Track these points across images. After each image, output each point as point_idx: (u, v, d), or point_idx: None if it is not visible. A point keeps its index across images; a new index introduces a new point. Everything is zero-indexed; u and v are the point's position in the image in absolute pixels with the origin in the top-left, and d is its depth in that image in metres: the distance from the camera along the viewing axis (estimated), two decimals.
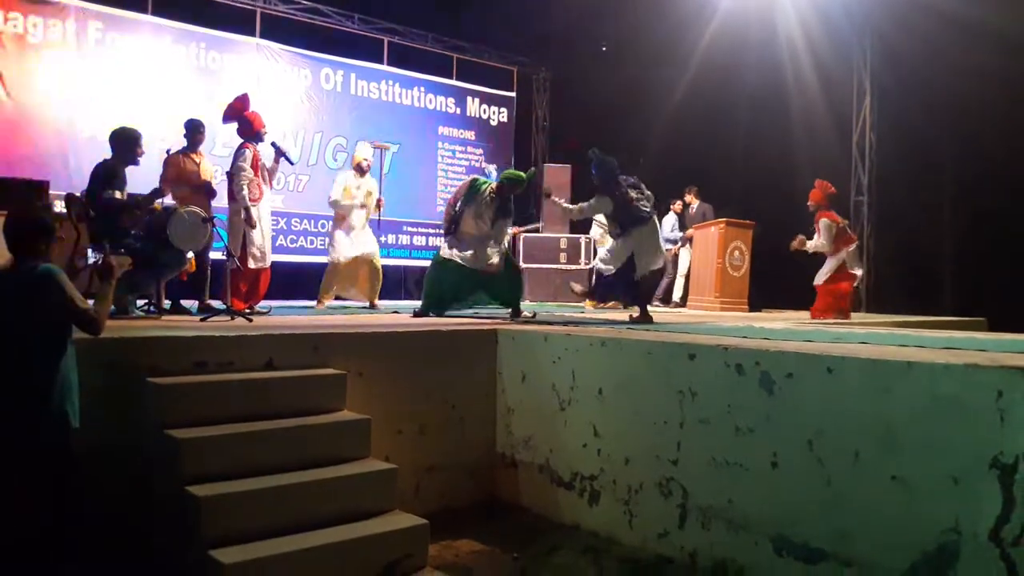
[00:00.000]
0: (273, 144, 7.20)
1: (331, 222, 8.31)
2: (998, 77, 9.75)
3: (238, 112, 6.92)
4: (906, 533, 3.22)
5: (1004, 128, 9.80)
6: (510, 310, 6.88)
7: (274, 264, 10.58)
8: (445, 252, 6.76)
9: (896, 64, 11.13)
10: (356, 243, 8.01)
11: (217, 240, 6.45)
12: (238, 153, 6.77)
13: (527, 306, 7.99)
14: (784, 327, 6.20)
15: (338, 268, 7.99)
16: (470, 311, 7.01)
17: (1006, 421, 2.96)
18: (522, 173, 7.03)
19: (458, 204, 6.82)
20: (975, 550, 3.00)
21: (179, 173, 6.90)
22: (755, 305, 9.85)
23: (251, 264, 6.73)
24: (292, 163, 7.93)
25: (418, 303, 7.09)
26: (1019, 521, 2.89)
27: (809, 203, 8.61)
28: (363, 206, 8.03)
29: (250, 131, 6.85)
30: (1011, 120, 9.71)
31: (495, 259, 6.66)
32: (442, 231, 7.32)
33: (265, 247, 6.91)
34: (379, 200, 8.19)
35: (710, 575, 3.93)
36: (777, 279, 10.22)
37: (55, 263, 3.28)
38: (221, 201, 7.17)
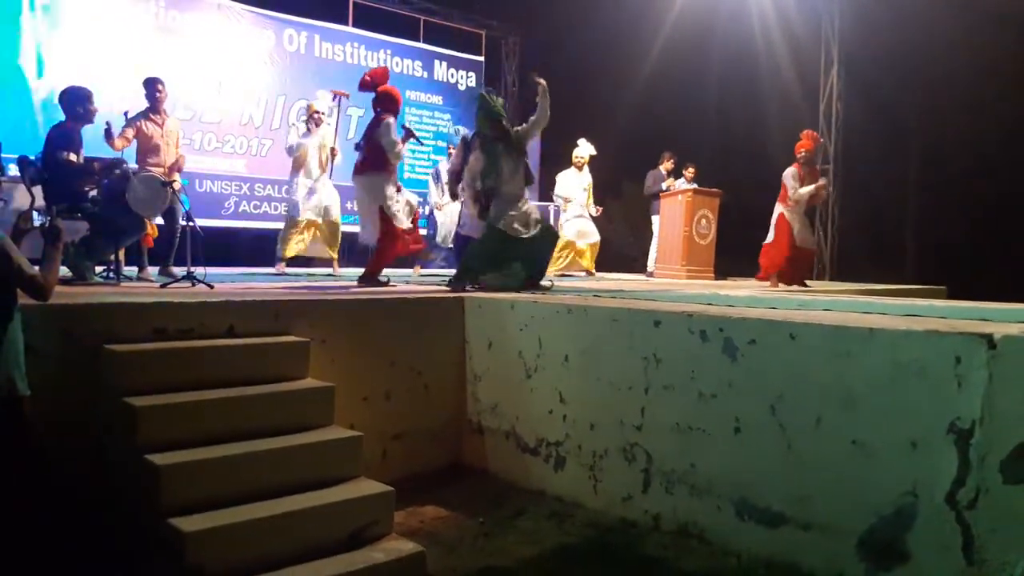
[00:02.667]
0: (404, 127, 6.86)
1: (289, 174, 8.16)
2: (965, 47, 9.84)
3: (378, 83, 6.63)
4: (865, 496, 3.27)
5: (970, 99, 9.93)
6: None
7: (236, 230, 10.56)
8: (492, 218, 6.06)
9: (864, 34, 11.18)
10: (315, 197, 7.91)
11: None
12: (385, 125, 6.37)
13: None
14: (749, 295, 6.24)
15: (294, 223, 7.89)
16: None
17: (963, 387, 3.01)
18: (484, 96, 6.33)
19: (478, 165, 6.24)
20: (931, 513, 3.06)
21: (138, 136, 6.71)
22: (721, 273, 9.92)
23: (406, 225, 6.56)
24: (421, 144, 7.74)
25: (385, 270, 6.94)
26: (974, 485, 2.95)
27: (806, 152, 8.38)
28: (317, 149, 7.92)
29: (392, 105, 6.53)
30: (977, 91, 9.82)
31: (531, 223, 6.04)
32: (470, 198, 6.66)
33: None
34: (332, 149, 8.05)
35: (673, 538, 3.97)
36: (744, 247, 10.29)
37: None
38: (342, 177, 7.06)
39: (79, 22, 9.15)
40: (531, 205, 6.27)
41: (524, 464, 4.90)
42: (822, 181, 8.36)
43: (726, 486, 3.81)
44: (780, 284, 8.30)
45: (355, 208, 7.56)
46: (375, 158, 6.34)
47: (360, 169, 6.42)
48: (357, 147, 6.66)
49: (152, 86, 6.85)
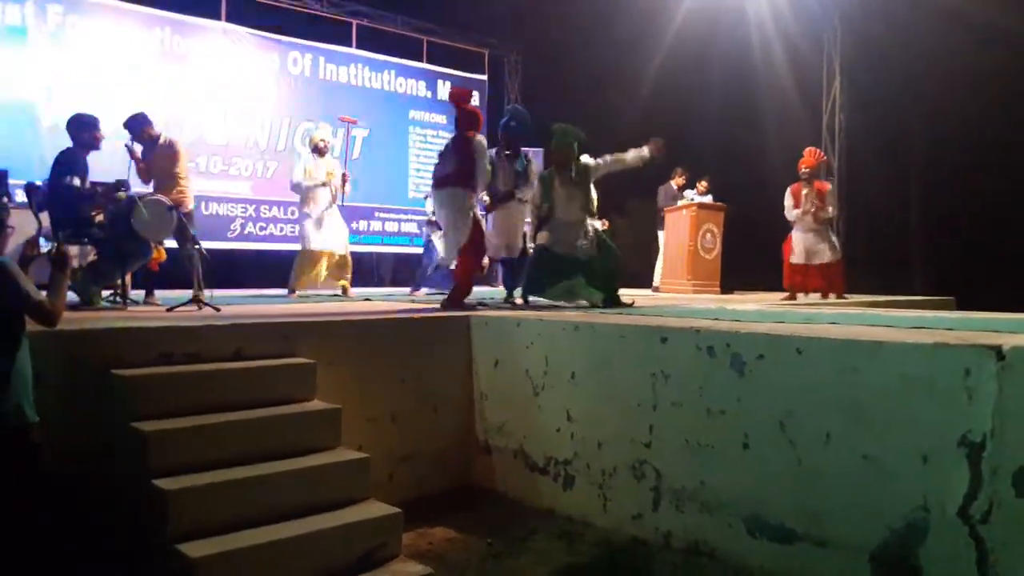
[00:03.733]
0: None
1: (298, 209, 8.18)
2: (966, 58, 9.85)
3: (464, 101, 6.61)
4: (876, 511, 3.24)
5: (971, 110, 9.92)
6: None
7: (242, 252, 10.60)
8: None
9: (866, 46, 11.21)
10: (325, 231, 7.92)
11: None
12: (480, 145, 6.30)
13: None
14: (755, 309, 6.23)
15: (307, 257, 7.90)
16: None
17: (974, 399, 2.99)
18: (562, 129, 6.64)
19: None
20: (944, 527, 3.03)
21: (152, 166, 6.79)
22: (727, 287, 9.90)
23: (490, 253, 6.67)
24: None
25: (390, 289, 6.99)
26: (987, 498, 2.93)
27: (807, 169, 8.45)
28: (324, 184, 7.91)
29: (479, 124, 6.48)
30: (978, 102, 9.82)
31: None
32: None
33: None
34: (344, 175, 8.06)
35: (684, 556, 3.94)
36: (749, 260, 10.28)
37: (7, 254, 3.20)
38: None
39: (86, 49, 9.24)
40: (587, 226, 6.49)
41: (533, 483, 4.88)
42: (807, 205, 8.38)
43: (736, 503, 3.78)
44: (796, 297, 8.36)
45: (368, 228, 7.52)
46: (462, 173, 6.24)
47: (444, 183, 6.30)
48: (441, 159, 6.51)
49: (131, 125, 6.77)
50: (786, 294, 8.55)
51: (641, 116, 12.32)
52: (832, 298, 8.26)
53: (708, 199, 10.23)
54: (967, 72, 9.89)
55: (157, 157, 6.77)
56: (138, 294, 6.50)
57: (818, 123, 11.68)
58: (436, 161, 6.54)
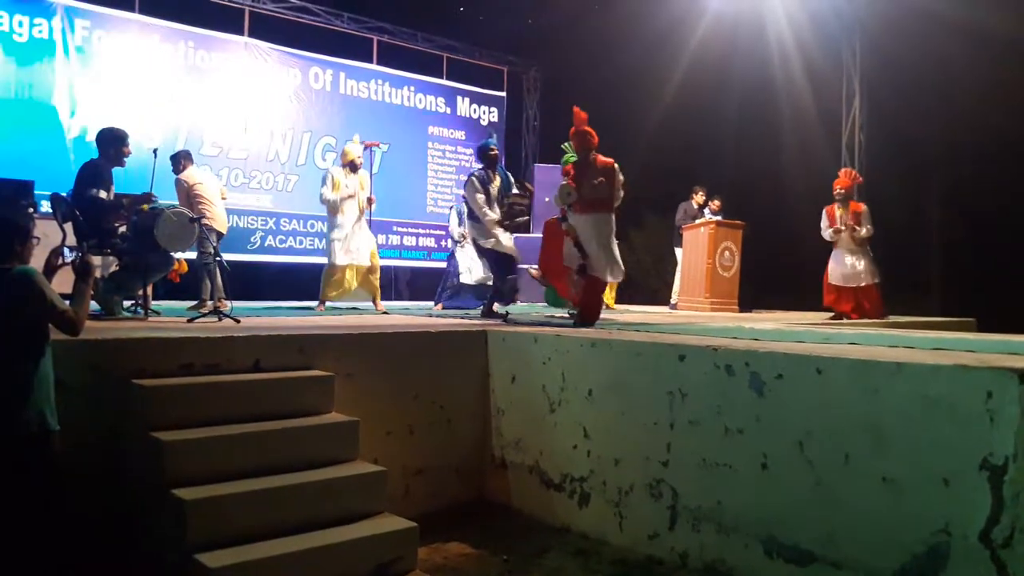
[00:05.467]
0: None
1: (326, 223, 8.21)
2: (987, 78, 9.80)
3: (583, 123, 6.55)
4: (896, 535, 3.21)
5: (992, 129, 9.86)
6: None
7: (262, 264, 10.68)
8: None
9: (885, 65, 11.18)
10: (353, 244, 7.96)
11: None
12: (615, 169, 6.30)
13: (521, 307, 7.88)
14: (774, 328, 6.20)
15: (336, 268, 7.94)
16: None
17: (995, 422, 2.96)
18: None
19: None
20: (965, 552, 3.00)
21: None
22: (745, 305, 9.86)
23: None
24: None
25: (407, 303, 7.01)
26: (1009, 522, 2.89)
27: (842, 190, 8.55)
28: (352, 196, 7.96)
29: (591, 145, 6.46)
30: (999, 121, 9.76)
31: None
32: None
33: None
34: (370, 198, 8.13)
35: None
36: (767, 279, 10.24)
37: (33, 264, 3.24)
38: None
39: (111, 62, 9.38)
40: None
41: (548, 500, 4.87)
42: (839, 225, 8.39)
43: (754, 524, 3.75)
44: (840, 318, 8.36)
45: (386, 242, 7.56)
46: (603, 198, 6.23)
47: (588, 208, 6.22)
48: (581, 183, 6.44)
49: (176, 159, 7.52)
50: (831, 313, 8.55)
51: (660, 134, 12.33)
52: (878, 318, 8.25)
53: (719, 219, 10.23)
54: (988, 89, 9.84)
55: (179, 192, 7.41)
56: (160, 304, 6.56)
57: (837, 142, 11.63)
58: (567, 182, 6.36)
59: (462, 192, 7.99)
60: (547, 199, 7.16)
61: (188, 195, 7.42)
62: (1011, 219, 9.73)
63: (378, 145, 8.35)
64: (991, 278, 9.80)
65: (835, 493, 3.44)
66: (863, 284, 8.45)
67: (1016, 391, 2.92)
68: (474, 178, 7.28)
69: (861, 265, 8.47)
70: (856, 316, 8.40)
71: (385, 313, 7.79)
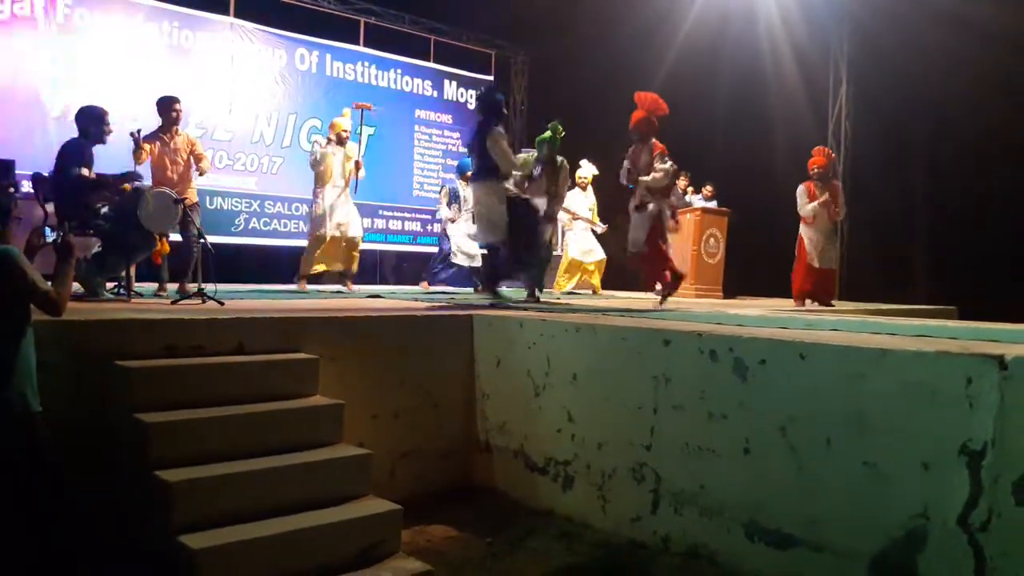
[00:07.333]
0: None
1: (312, 193, 8.21)
2: (974, 66, 9.83)
3: (647, 108, 6.84)
4: (876, 518, 3.25)
5: (980, 119, 9.89)
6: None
7: (246, 247, 10.61)
8: None
9: (873, 53, 11.20)
10: (338, 217, 7.95)
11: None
12: (661, 155, 6.70)
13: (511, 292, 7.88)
14: (758, 314, 6.23)
15: (320, 238, 7.91)
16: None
17: (975, 408, 2.99)
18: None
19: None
20: (943, 535, 3.04)
21: (151, 159, 6.78)
22: (730, 292, 9.90)
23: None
24: None
25: (393, 287, 7.01)
26: (986, 507, 2.93)
27: (819, 168, 8.39)
28: (340, 171, 7.95)
29: (653, 130, 6.68)
30: (986, 109, 9.80)
31: None
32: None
33: None
34: (358, 162, 8.11)
35: (683, 560, 3.95)
36: (751, 266, 10.28)
37: (13, 243, 3.21)
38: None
39: (93, 41, 9.24)
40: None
41: (532, 483, 4.89)
42: (825, 197, 8.31)
43: (736, 507, 3.79)
44: (805, 303, 8.30)
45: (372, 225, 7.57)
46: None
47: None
48: (629, 175, 7.05)
49: (169, 106, 6.90)
50: (796, 302, 8.44)
51: None
52: (815, 306, 8.21)
53: (713, 204, 10.24)
54: (976, 80, 9.87)
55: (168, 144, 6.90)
56: (143, 287, 6.51)
57: (824, 130, 11.68)
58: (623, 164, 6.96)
59: (451, 175, 8.07)
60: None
61: (182, 159, 7.06)
62: (997, 208, 9.79)
63: (369, 107, 8.32)
64: (975, 267, 9.87)
65: (817, 477, 3.48)
66: (833, 266, 8.45)
67: (996, 378, 2.95)
68: (496, 130, 6.92)
69: (832, 248, 8.48)
70: (819, 300, 8.37)
71: (377, 296, 7.78)
